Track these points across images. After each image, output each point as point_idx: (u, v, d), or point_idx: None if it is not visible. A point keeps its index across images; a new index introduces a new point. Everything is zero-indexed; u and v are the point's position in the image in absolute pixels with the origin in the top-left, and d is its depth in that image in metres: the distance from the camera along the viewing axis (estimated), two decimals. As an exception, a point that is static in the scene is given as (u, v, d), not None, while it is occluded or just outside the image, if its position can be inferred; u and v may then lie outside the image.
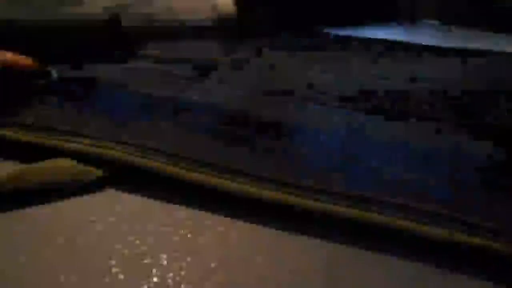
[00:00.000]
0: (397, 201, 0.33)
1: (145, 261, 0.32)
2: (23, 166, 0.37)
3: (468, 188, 0.35)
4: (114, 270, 0.31)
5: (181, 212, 0.36)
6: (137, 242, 0.33)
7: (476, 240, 0.31)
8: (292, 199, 0.34)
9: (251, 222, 0.35)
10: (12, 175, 0.36)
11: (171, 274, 0.31)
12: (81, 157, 0.39)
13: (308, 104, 0.49)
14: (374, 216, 0.33)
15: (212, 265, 0.32)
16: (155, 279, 0.30)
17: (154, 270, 0.31)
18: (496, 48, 0.63)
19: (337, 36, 0.65)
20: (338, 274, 0.31)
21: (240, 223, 0.35)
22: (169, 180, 0.37)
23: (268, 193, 0.35)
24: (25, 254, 0.32)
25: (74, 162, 0.38)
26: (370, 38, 0.68)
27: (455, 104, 0.48)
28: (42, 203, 0.37)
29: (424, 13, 0.74)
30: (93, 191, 0.38)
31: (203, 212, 0.36)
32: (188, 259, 0.32)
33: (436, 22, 0.74)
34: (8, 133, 0.41)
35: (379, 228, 0.33)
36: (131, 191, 0.38)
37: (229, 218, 0.35)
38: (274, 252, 0.33)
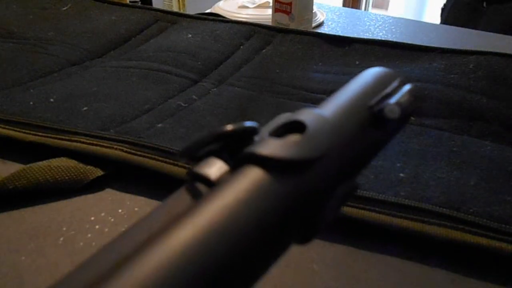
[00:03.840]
0: (397, 201, 0.33)
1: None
2: (23, 166, 0.37)
3: (469, 187, 0.35)
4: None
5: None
6: (137, 242, 0.33)
7: (477, 240, 0.31)
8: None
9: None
10: (12, 175, 0.36)
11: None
12: (82, 156, 0.39)
13: (307, 104, 0.49)
14: (374, 216, 0.33)
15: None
16: (155, 279, 0.30)
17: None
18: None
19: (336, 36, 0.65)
20: (338, 274, 0.31)
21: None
22: (168, 179, 0.37)
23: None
24: (26, 254, 0.32)
25: (74, 162, 0.38)
26: (370, 39, 0.68)
27: (454, 103, 0.48)
28: (42, 203, 0.37)
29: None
30: (93, 191, 0.38)
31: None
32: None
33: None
34: (11, 132, 0.41)
35: (379, 228, 0.33)
36: (131, 191, 0.38)
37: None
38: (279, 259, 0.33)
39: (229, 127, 0.16)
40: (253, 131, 0.16)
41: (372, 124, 0.18)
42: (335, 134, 0.16)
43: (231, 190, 0.14)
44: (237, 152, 0.16)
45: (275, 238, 0.14)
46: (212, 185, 0.15)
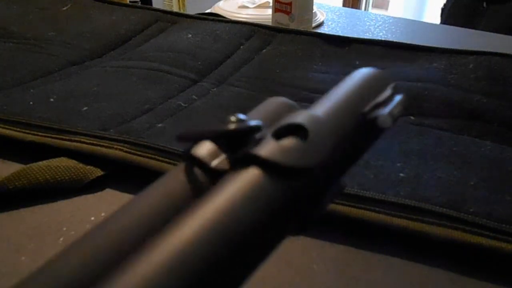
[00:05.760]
0: (397, 201, 0.33)
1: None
2: (23, 166, 0.37)
3: (469, 187, 0.35)
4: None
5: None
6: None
7: (477, 240, 0.31)
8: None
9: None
10: (12, 175, 0.36)
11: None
12: (82, 156, 0.39)
13: (307, 105, 0.49)
14: (374, 216, 0.33)
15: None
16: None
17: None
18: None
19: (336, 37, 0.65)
20: (338, 274, 0.31)
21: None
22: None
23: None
24: (26, 254, 0.32)
25: (74, 162, 0.38)
26: (370, 39, 0.68)
27: (454, 103, 0.48)
28: (42, 203, 0.37)
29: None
30: (93, 191, 0.38)
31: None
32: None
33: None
34: (11, 132, 0.41)
35: (379, 228, 0.33)
36: (131, 191, 0.38)
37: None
38: (275, 251, 0.33)
39: (232, 126, 0.16)
40: (256, 130, 0.16)
41: (364, 130, 0.18)
42: (332, 140, 0.17)
43: (232, 191, 0.15)
44: (238, 146, 0.16)
45: (269, 235, 0.15)
46: (210, 172, 0.16)
